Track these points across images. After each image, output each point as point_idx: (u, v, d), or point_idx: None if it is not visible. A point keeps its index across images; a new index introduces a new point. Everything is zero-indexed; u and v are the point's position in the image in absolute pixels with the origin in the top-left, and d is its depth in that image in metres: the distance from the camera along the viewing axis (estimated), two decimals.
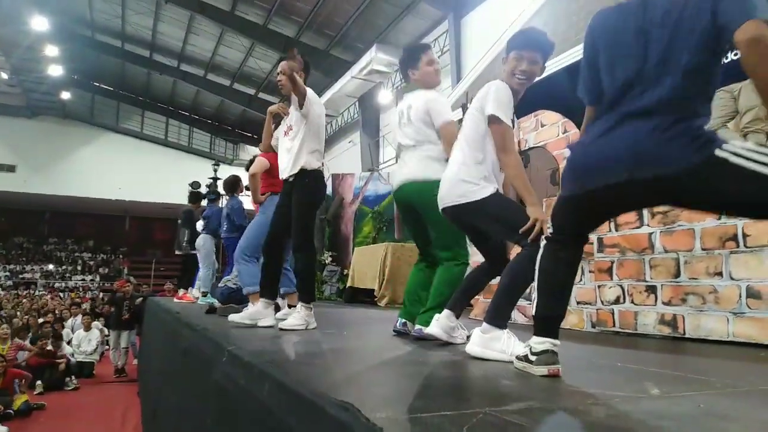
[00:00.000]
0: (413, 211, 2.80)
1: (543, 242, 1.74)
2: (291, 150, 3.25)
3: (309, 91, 3.29)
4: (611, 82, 1.58)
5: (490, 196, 2.15)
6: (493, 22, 11.12)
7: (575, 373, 1.76)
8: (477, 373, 1.69)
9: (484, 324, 2.00)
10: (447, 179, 2.30)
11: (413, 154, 2.78)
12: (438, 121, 2.74)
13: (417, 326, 2.59)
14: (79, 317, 11.09)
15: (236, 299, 4.16)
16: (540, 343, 1.62)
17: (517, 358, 1.70)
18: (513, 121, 2.23)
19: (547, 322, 1.65)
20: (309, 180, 3.22)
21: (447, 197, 2.28)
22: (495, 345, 1.93)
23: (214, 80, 21.77)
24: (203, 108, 25.72)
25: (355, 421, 1.01)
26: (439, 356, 2.06)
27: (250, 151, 26.60)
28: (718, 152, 1.33)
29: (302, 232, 3.20)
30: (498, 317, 2.00)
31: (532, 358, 1.62)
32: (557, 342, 1.63)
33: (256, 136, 25.86)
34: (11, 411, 6.68)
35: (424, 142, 2.75)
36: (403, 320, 2.81)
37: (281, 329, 2.99)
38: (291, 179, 3.25)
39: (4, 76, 20.52)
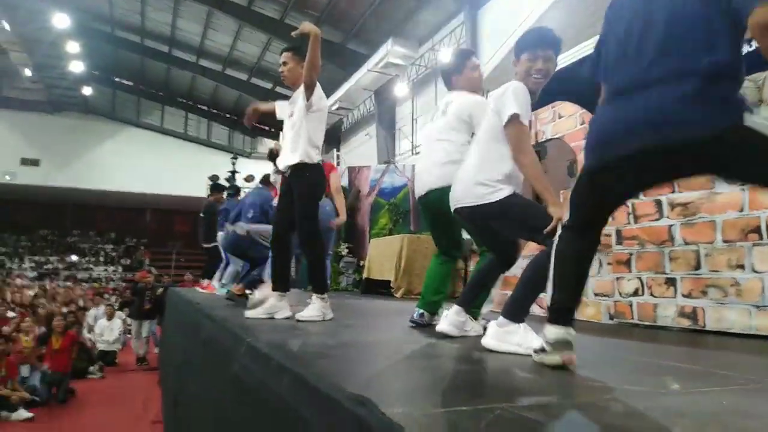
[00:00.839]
0: (441, 214, 2.74)
1: (559, 231, 1.72)
2: (293, 141, 3.26)
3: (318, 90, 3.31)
4: (634, 50, 1.54)
5: (507, 198, 2.13)
6: (509, 13, 10.98)
7: (593, 366, 1.74)
8: (493, 367, 1.69)
9: (501, 317, 1.99)
10: (461, 180, 2.29)
11: (438, 154, 2.75)
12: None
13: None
14: (102, 307, 11.33)
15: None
16: (555, 331, 1.60)
17: (535, 351, 1.69)
18: (530, 123, 2.22)
19: (562, 311, 1.63)
20: (309, 173, 3.23)
21: (462, 198, 2.26)
22: (511, 338, 1.92)
23: (232, 75, 21.87)
24: (222, 102, 25.88)
25: (372, 416, 1.02)
26: (456, 349, 2.06)
27: (267, 144, 26.71)
28: (745, 119, 1.30)
29: (307, 225, 3.22)
30: (516, 311, 1.99)
31: (547, 347, 1.61)
32: (572, 331, 1.61)
33: (273, 130, 26.00)
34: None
35: (453, 142, 2.71)
36: (421, 311, 2.81)
37: (298, 321, 3.01)
38: (288, 172, 3.26)
39: (28, 72, 20.83)
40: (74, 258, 25.04)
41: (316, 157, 3.24)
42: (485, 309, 2.68)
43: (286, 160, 3.28)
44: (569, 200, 1.70)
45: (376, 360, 1.87)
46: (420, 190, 2.85)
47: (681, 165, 1.45)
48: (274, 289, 3.31)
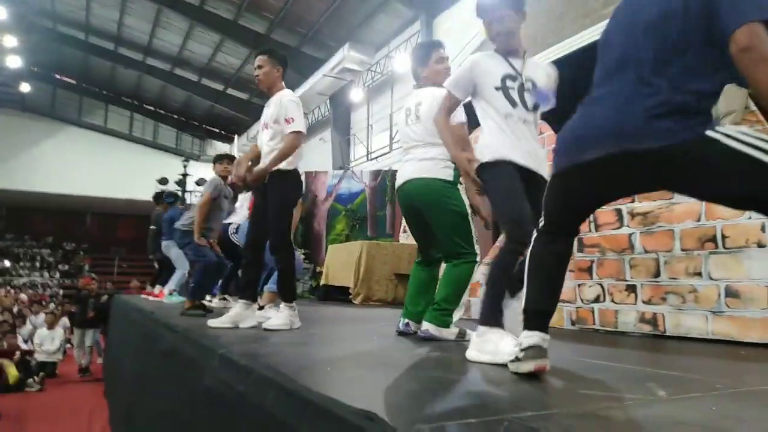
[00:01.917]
0: (415, 210, 2.75)
1: (534, 235, 1.71)
2: (272, 151, 3.18)
3: (289, 93, 3.25)
4: (608, 55, 1.57)
5: None
6: (464, 22, 11.18)
7: (574, 373, 1.77)
8: (487, 376, 1.68)
9: (478, 326, 1.99)
10: None
11: (416, 152, 2.73)
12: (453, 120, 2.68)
13: (425, 325, 2.57)
14: (42, 315, 10.72)
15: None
16: (529, 337, 1.59)
17: (511, 361, 1.64)
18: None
19: (537, 317, 1.62)
20: (286, 180, 3.17)
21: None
22: (487, 347, 1.91)
23: (182, 75, 21.29)
24: (170, 103, 25.12)
25: (380, 431, 0.98)
26: (438, 358, 2.05)
27: (217, 146, 26.12)
28: (710, 132, 1.31)
29: (281, 232, 3.16)
30: (487, 315, 1.99)
31: (520, 354, 1.58)
32: (547, 336, 1.60)
33: (224, 132, 25.44)
34: None
35: (429, 143, 2.69)
36: (406, 320, 2.78)
37: (266, 329, 2.93)
38: (267, 179, 3.19)
39: None
40: (6, 263, 23.62)
41: (294, 162, 3.18)
42: (455, 316, 2.67)
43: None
44: (543, 205, 1.71)
45: (360, 370, 1.83)
46: (397, 185, 2.82)
47: (643, 176, 1.47)
48: (241, 298, 3.21)
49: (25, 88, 22.25)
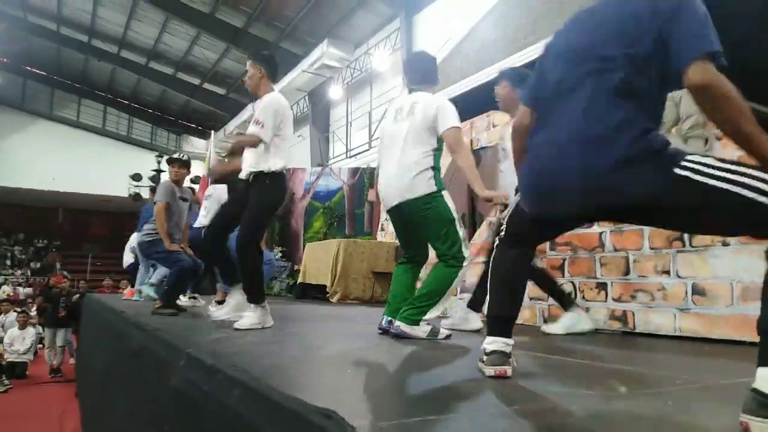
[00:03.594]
0: (408, 222, 2.82)
1: (496, 242, 1.72)
2: (257, 150, 3.14)
3: (276, 95, 3.24)
4: (554, 83, 1.53)
5: None
6: (444, 20, 11.22)
7: (542, 370, 1.79)
8: (451, 374, 1.69)
9: None
10: None
11: (409, 163, 2.71)
12: (446, 125, 2.70)
13: (396, 322, 2.60)
14: (12, 314, 10.46)
15: None
16: (491, 343, 1.59)
17: (480, 359, 1.65)
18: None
19: (499, 322, 1.62)
20: (271, 181, 3.12)
21: None
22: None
23: (157, 68, 20.95)
24: (144, 97, 24.71)
25: (339, 429, 0.98)
26: (409, 356, 2.05)
27: (193, 142, 25.79)
28: (678, 171, 1.26)
29: (255, 232, 3.13)
30: None
31: (484, 358, 1.59)
32: (510, 341, 1.60)
33: (200, 127, 25.12)
34: None
35: (423, 151, 2.71)
36: (389, 318, 2.78)
37: (236, 329, 2.90)
38: (251, 178, 3.16)
39: None
40: None
41: (280, 163, 3.14)
42: (430, 315, 2.69)
43: (249, 167, 3.16)
44: (507, 218, 1.72)
45: (327, 368, 1.83)
46: (391, 200, 2.79)
47: (614, 216, 1.51)
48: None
49: None
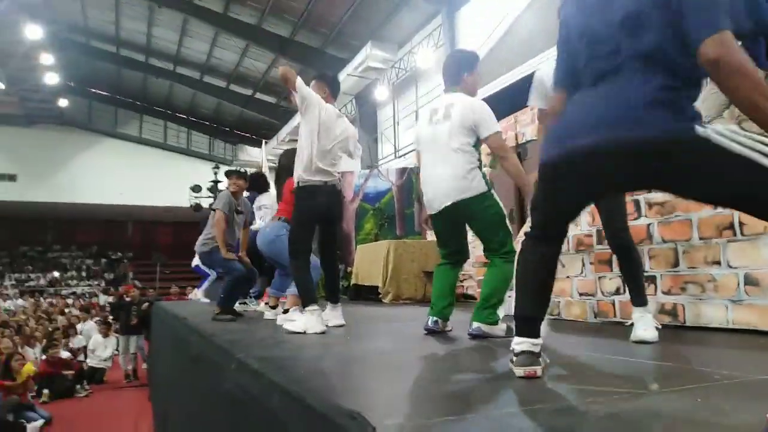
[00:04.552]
0: (455, 223, 2.89)
1: (522, 239, 1.72)
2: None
3: (313, 103, 3.32)
4: (587, 47, 1.56)
5: None
6: (486, 14, 11.10)
7: (578, 367, 1.80)
8: (477, 375, 1.72)
9: None
10: None
11: (454, 162, 2.76)
12: (489, 131, 2.76)
13: (475, 324, 2.64)
14: (90, 322, 11.19)
15: None
16: (519, 343, 1.59)
17: (510, 360, 1.64)
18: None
19: (526, 323, 1.61)
20: (297, 194, 3.30)
21: None
22: None
23: (211, 82, 21.78)
24: (201, 110, 25.73)
25: (360, 430, 1.05)
26: (446, 357, 2.10)
27: (248, 151, 26.59)
28: (699, 130, 1.29)
29: (294, 242, 3.28)
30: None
31: (513, 359, 1.59)
32: (538, 341, 1.59)
33: (254, 137, 25.88)
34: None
35: (467, 152, 2.76)
36: (435, 319, 2.84)
37: (288, 332, 3.03)
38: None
39: (1, 86, 20.50)
40: (56, 274, 24.65)
41: (305, 177, 3.30)
42: (501, 313, 2.74)
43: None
44: (530, 209, 1.72)
45: (368, 372, 1.90)
46: (441, 202, 2.81)
47: (632, 173, 1.44)
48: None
49: (62, 103, 23.16)
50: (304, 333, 3.00)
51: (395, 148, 15.48)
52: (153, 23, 18.44)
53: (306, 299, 3.16)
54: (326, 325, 3.13)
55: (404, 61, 14.72)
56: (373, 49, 14.17)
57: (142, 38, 19.71)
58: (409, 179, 9.82)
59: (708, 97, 3.34)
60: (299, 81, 3.24)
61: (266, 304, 4.64)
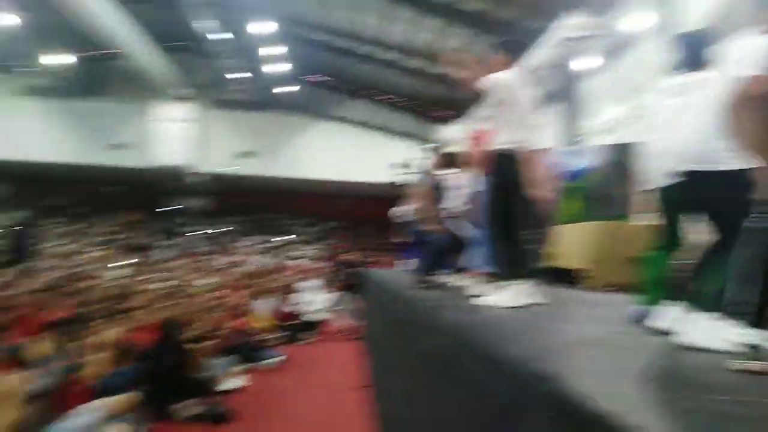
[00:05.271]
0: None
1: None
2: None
3: (493, 79, 3.32)
4: None
5: None
6: None
7: None
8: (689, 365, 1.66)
9: None
10: None
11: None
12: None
13: None
14: (308, 282, 12.81)
15: None
16: (747, 336, 1.54)
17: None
18: None
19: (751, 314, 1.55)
20: (496, 161, 3.30)
21: None
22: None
23: (412, 65, 22.63)
24: (403, 90, 26.91)
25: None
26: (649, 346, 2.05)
27: (448, 129, 27.10)
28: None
29: (491, 213, 3.31)
30: None
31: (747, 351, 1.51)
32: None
33: (452, 114, 26.30)
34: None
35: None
36: (645, 307, 2.66)
37: (498, 307, 3.02)
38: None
39: (239, 76, 24.12)
40: (293, 237, 28.58)
41: (508, 140, 3.36)
42: None
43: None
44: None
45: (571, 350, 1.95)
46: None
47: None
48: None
49: (290, 89, 26.32)
50: (509, 307, 3.01)
51: (600, 123, 14.38)
52: (357, 11, 19.70)
53: (514, 272, 3.19)
54: (528, 302, 3.13)
55: (609, 28, 13.48)
56: (574, 17, 13.25)
57: (349, 26, 21.24)
58: (618, 156, 9.13)
59: None
60: (481, 84, 3.24)
61: (468, 276, 4.81)
